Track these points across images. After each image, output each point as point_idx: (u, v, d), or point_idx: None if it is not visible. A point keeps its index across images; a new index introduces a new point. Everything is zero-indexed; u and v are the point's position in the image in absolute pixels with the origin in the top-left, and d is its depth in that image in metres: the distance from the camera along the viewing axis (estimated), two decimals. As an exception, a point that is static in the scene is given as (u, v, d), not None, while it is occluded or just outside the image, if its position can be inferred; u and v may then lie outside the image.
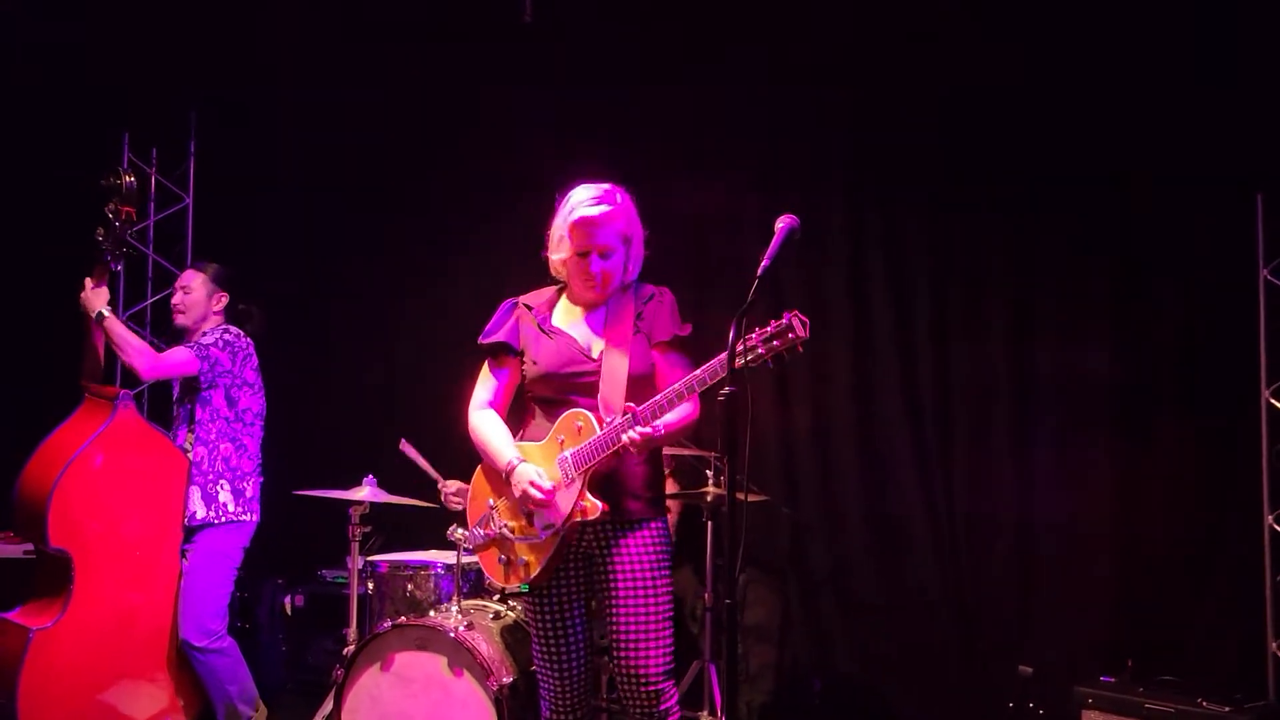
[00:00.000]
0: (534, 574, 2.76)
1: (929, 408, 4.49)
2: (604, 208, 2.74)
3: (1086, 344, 4.25)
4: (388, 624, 3.65)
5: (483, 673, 3.46)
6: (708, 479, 4.16)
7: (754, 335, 2.35)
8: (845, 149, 4.73)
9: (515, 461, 2.76)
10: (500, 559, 2.84)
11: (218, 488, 4.07)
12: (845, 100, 4.67)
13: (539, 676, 2.89)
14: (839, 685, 4.56)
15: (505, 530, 2.80)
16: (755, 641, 4.58)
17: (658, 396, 2.55)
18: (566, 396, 2.76)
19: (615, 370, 2.70)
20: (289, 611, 5.27)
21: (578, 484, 2.65)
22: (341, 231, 5.71)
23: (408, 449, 4.30)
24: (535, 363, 2.82)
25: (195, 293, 4.18)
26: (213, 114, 5.89)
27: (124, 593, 3.84)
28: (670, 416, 2.60)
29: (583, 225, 2.74)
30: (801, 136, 4.79)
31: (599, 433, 2.63)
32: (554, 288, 2.96)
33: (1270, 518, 3.93)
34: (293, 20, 5.23)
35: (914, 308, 4.55)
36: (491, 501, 2.87)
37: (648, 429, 2.53)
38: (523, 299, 2.95)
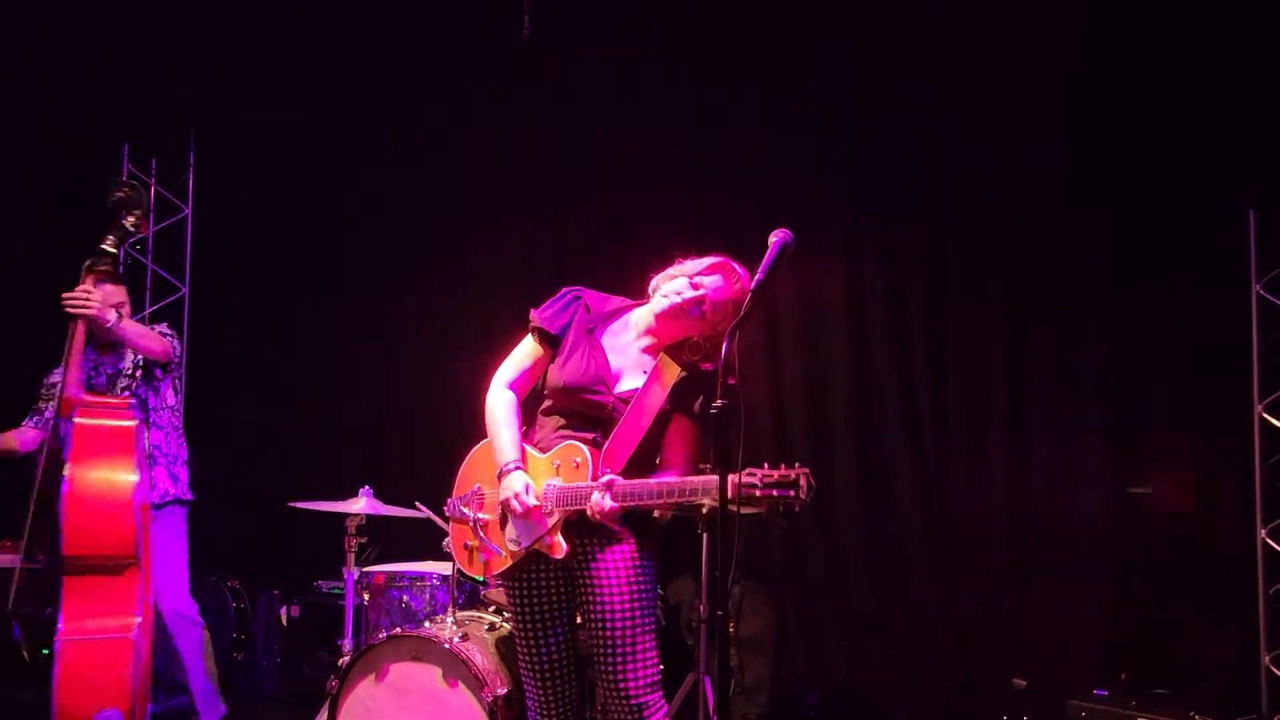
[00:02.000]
0: (488, 575, 2.83)
1: (926, 419, 4.50)
2: (740, 272, 2.73)
3: (1081, 358, 4.28)
4: (383, 635, 3.64)
5: (477, 684, 3.45)
6: (703, 491, 4.16)
7: (758, 473, 2.27)
8: (844, 161, 4.76)
9: (511, 466, 2.73)
10: (466, 544, 2.86)
11: (176, 469, 4.23)
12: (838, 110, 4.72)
13: (525, 687, 2.88)
14: (835, 697, 4.57)
15: (479, 523, 2.81)
16: (751, 653, 4.59)
17: (645, 484, 2.53)
18: (574, 414, 2.74)
19: (634, 421, 2.67)
20: (285, 622, 5.27)
21: (555, 517, 2.63)
22: (340, 244, 5.74)
23: (422, 509, 4.15)
24: (560, 369, 2.76)
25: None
26: (212, 126, 5.93)
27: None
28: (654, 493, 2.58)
29: (718, 268, 2.72)
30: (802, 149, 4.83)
31: (588, 480, 2.60)
32: (627, 302, 2.88)
33: (1264, 531, 3.94)
34: (293, 37, 5.26)
35: (909, 318, 4.57)
36: (479, 487, 2.86)
37: (615, 506, 2.52)
38: (589, 295, 2.86)
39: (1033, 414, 4.34)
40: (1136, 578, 4.12)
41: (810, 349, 4.73)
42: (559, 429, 2.76)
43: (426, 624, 3.77)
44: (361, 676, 3.59)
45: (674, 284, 2.73)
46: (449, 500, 2.92)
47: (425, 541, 4.28)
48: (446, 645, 3.51)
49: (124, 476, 3.64)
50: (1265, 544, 3.94)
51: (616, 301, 2.87)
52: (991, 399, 4.41)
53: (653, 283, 2.81)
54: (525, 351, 2.87)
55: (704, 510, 4.09)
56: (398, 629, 3.71)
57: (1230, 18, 4.00)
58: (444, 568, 4.13)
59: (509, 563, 2.73)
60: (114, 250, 3.87)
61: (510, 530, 2.73)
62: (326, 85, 5.55)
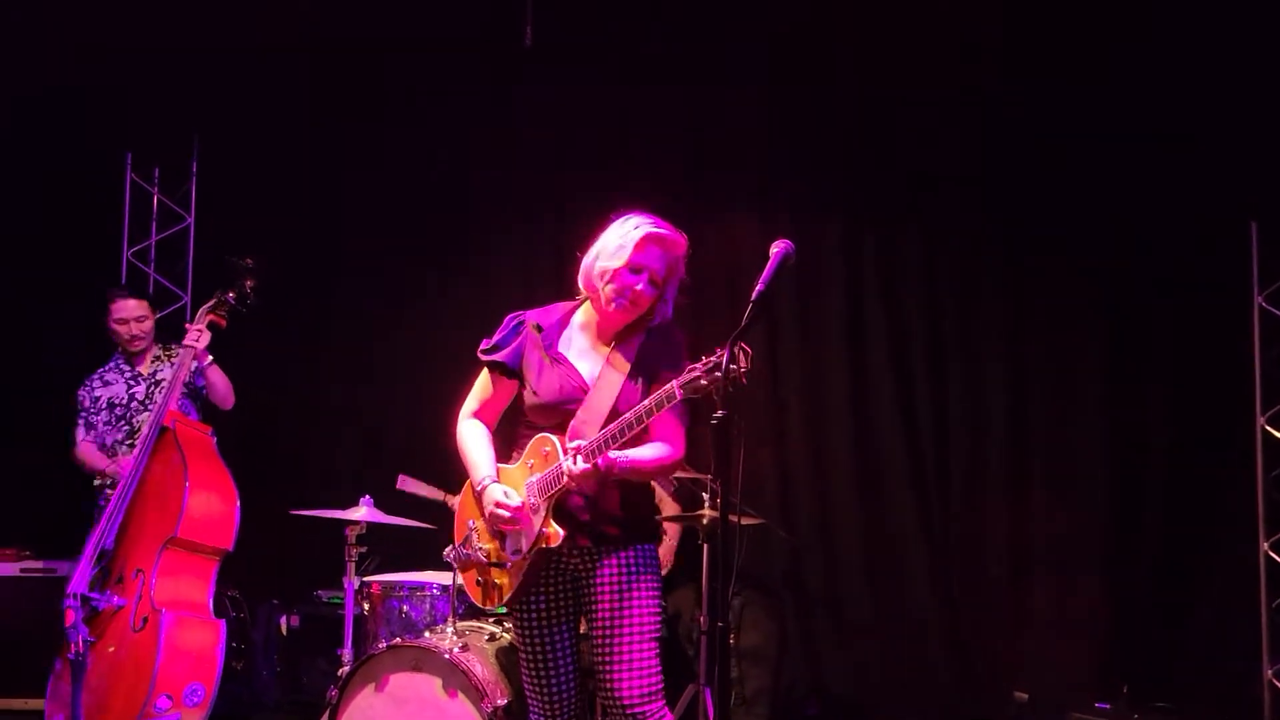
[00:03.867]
0: (506, 597, 2.75)
1: (926, 432, 4.51)
2: (673, 237, 2.70)
3: (1081, 371, 4.28)
4: (383, 645, 3.64)
5: (477, 694, 3.44)
6: (704, 502, 4.17)
7: (698, 365, 2.33)
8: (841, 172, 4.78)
9: (486, 481, 2.75)
10: (478, 580, 2.84)
11: None
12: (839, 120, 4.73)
13: (528, 698, 2.86)
14: (834, 709, 4.56)
15: (480, 553, 2.79)
16: (751, 665, 4.57)
17: (603, 430, 2.53)
18: (562, 426, 2.70)
19: (597, 402, 2.66)
20: (284, 632, 5.27)
21: (542, 510, 2.61)
22: (340, 251, 5.75)
23: (407, 483, 4.30)
24: (535, 393, 2.75)
25: (148, 321, 4.61)
26: (215, 135, 5.94)
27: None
28: (641, 453, 2.60)
29: (650, 241, 2.66)
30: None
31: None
32: (567, 306, 2.87)
33: (1266, 544, 3.94)
34: (293, 45, 5.28)
35: (910, 331, 4.58)
36: (472, 523, 2.85)
37: (587, 465, 2.49)
38: (531, 317, 2.84)
39: (1034, 424, 4.34)
40: (1138, 590, 4.11)
41: (809, 356, 4.73)
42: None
43: (426, 634, 3.76)
44: (361, 686, 3.58)
45: (612, 283, 2.67)
46: (450, 549, 2.92)
47: (426, 551, 4.29)
48: (446, 655, 3.50)
49: (229, 482, 4.10)
50: (1267, 557, 3.93)
51: (558, 309, 2.87)
52: (991, 408, 4.41)
53: (583, 270, 2.75)
54: (484, 385, 2.91)
55: (704, 521, 4.09)
56: (398, 639, 3.71)
57: (1232, 30, 4.01)
58: (444, 578, 4.12)
59: (520, 578, 2.69)
60: (232, 304, 4.37)
61: (509, 543, 2.72)
62: (327, 93, 5.56)
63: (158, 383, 4.54)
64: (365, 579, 4.18)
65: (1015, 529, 4.32)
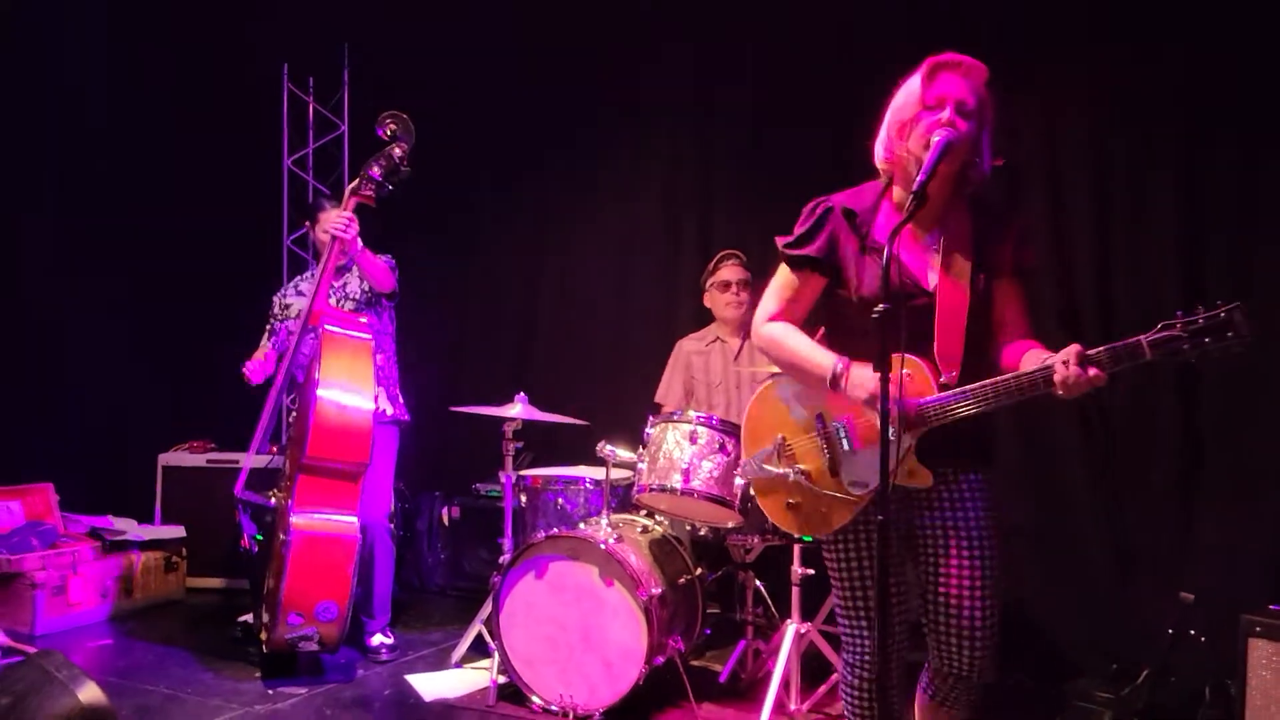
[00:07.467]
0: (831, 529, 2.44)
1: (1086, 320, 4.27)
2: (969, 62, 2.30)
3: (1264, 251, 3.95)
4: (541, 534, 3.79)
5: (633, 584, 3.57)
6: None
7: (1176, 323, 2.06)
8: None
9: (841, 365, 2.33)
10: (790, 502, 2.49)
11: (394, 391, 4.49)
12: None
13: (844, 627, 2.53)
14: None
15: (799, 476, 2.45)
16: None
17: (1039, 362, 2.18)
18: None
19: (952, 313, 2.30)
20: (446, 522, 5.55)
21: (905, 441, 2.27)
22: (492, 153, 5.80)
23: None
24: (857, 288, 2.38)
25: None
26: (367, 44, 6.05)
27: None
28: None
29: (940, 69, 2.28)
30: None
31: (935, 392, 2.27)
32: (876, 186, 2.47)
33: None
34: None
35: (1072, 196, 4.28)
36: (782, 438, 2.50)
37: (1100, 371, 2.13)
38: (840, 201, 2.45)
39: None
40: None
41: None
42: (854, 353, 2.36)
43: (582, 525, 3.89)
44: (523, 573, 3.76)
45: (916, 127, 2.28)
46: (742, 462, 2.60)
47: (578, 447, 4.41)
48: (603, 545, 3.63)
49: (367, 390, 4.00)
50: None
51: (868, 191, 2.47)
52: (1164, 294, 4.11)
53: (881, 142, 2.39)
54: (787, 284, 2.50)
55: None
56: (555, 529, 3.85)
57: None
58: (597, 472, 4.25)
59: (855, 510, 2.40)
60: (379, 179, 4.04)
61: (848, 472, 2.40)
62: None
63: (348, 295, 4.40)
64: (521, 473, 4.34)
65: (1188, 426, 4.07)
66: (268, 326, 4.58)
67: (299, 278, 4.69)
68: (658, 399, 4.52)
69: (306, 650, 3.93)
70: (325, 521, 3.92)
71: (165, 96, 5.95)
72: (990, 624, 2.39)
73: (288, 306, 4.54)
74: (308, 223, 4.70)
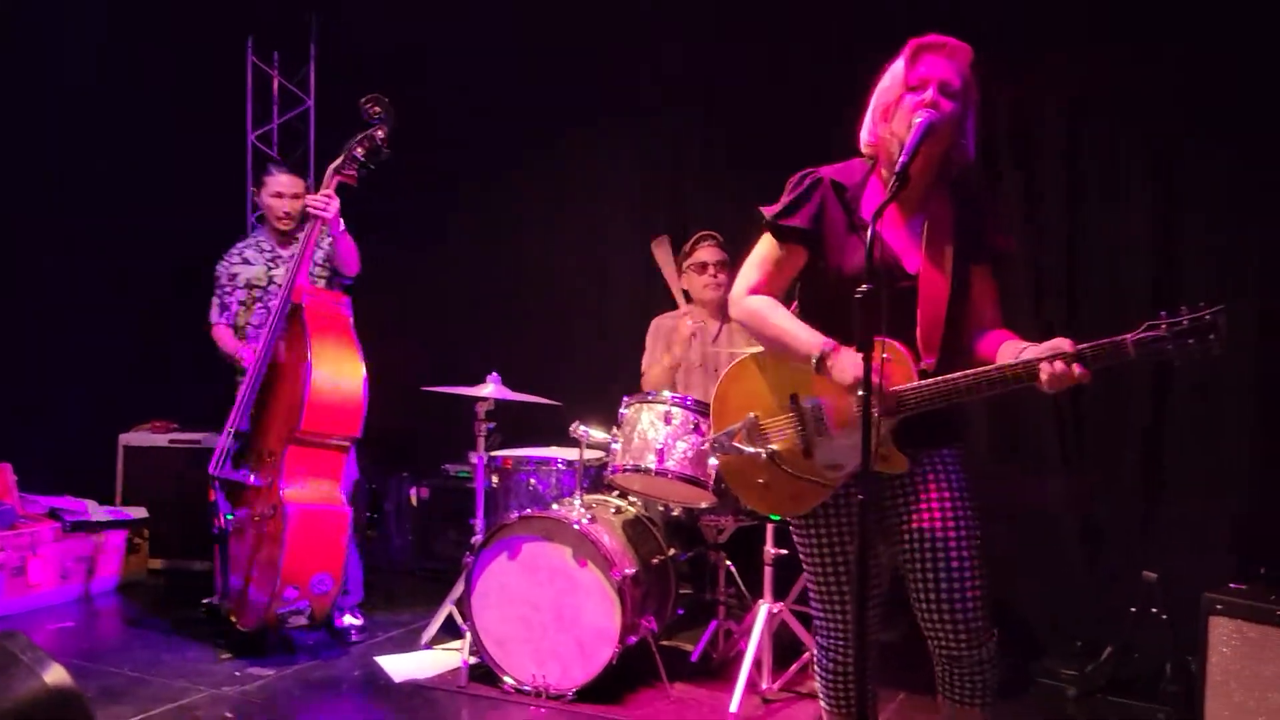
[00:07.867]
0: (802, 510, 2.41)
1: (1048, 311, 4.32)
2: (953, 43, 2.28)
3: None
4: (515, 515, 3.78)
5: (606, 564, 3.57)
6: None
7: (1161, 324, 2.07)
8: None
9: (829, 345, 2.26)
10: (759, 482, 2.44)
11: None
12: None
13: (816, 611, 2.52)
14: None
15: (771, 454, 2.39)
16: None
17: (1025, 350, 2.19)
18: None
19: (933, 299, 2.27)
20: (415, 503, 5.51)
21: (883, 428, 2.22)
22: (468, 131, 5.72)
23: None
24: (840, 266, 2.33)
25: (300, 200, 4.37)
26: (333, 19, 5.94)
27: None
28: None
29: (923, 51, 2.26)
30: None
31: (915, 378, 2.24)
32: (864, 163, 2.42)
33: None
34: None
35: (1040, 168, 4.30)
36: (754, 416, 2.43)
37: (1084, 370, 2.13)
38: (829, 173, 2.38)
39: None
40: (1275, 473, 3.95)
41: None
42: (834, 333, 2.31)
43: (555, 506, 3.89)
44: (495, 554, 3.75)
45: (899, 107, 2.26)
46: (711, 437, 2.53)
47: (550, 427, 4.39)
48: (576, 526, 3.62)
49: (357, 364, 4.04)
50: None
51: (857, 167, 2.42)
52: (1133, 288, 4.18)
53: (865, 126, 2.36)
54: (770, 256, 2.43)
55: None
56: (529, 510, 3.84)
57: None
58: (569, 453, 4.24)
59: (827, 494, 2.37)
60: (362, 159, 4.06)
61: (824, 454, 2.35)
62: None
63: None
64: (493, 453, 4.32)
65: (1155, 411, 4.14)
66: (215, 300, 4.47)
67: (241, 244, 4.55)
68: (644, 368, 4.45)
69: (295, 625, 3.93)
70: (318, 494, 3.97)
71: (165, 96, 5.81)
72: (975, 571, 2.34)
73: (234, 276, 4.45)
74: (253, 188, 4.66)
